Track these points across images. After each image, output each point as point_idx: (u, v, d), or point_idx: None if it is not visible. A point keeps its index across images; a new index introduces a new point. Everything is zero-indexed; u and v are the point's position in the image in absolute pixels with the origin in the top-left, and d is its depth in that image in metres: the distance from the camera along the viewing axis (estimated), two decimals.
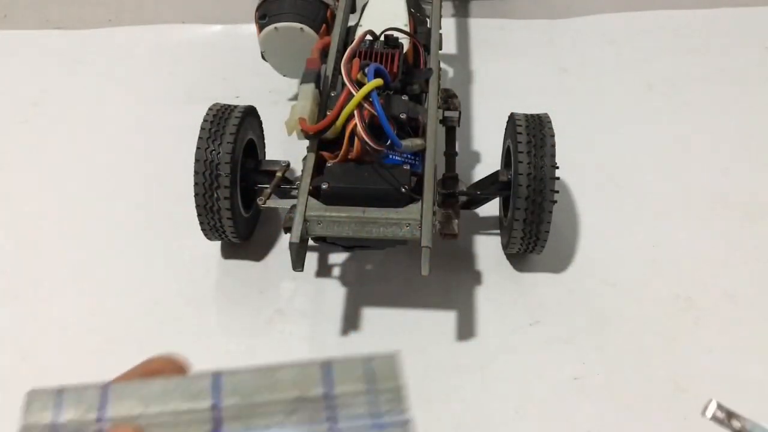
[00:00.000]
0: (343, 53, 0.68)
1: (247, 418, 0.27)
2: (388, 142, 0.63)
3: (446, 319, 0.70)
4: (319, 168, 0.65)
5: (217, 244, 0.77)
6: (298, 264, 0.62)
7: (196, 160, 0.68)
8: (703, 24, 1.02)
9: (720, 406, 0.29)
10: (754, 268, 0.75)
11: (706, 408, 0.29)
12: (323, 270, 0.75)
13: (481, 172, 0.82)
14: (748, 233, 0.78)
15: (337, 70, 0.71)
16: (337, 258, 0.76)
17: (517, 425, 0.63)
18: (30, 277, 0.76)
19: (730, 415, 0.28)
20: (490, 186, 0.73)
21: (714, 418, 0.29)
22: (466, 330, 0.69)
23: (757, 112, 0.91)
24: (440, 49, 0.77)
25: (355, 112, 0.61)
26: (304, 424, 0.27)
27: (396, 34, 0.72)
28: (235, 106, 0.72)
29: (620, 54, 0.99)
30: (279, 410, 0.27)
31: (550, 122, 0.71)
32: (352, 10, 0.84)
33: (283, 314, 0.71)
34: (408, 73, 0.70)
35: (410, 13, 0.78)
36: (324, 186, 0.63)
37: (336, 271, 0.75)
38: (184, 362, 0.30)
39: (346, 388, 0.28)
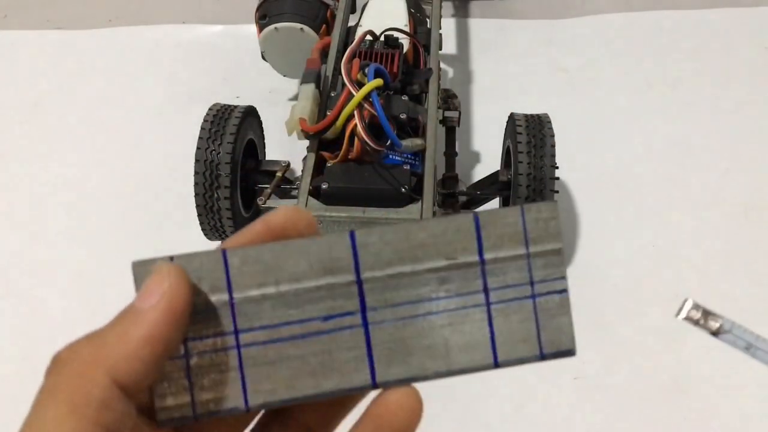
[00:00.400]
0: (343, 53, 0.68)
1: (392, 291, 0.23)
2: (388, 142, 0.63)
3: None
4: (319, 168, 0.65)
5: (217, 244, 0.77)
6: None
7: (196, 160, 0.68)
8: (703, 24, 1.02)
9: (696, 306, 0.26)
10: (754, 268, 0.75)
11: (680, 309, 0.26)
12: None
13: (480, 172, 0.82)
14: (748, 233, 0.78)
15: (337, 70, 0.71)
16: None
17: (517, 425, 0.63)
18: (30, 276, 0.76)
19: (707, 314, 0.25)
20: (490, 186, 0.73)
21: (688, 318, 0.26)
22: None
23: (757, 113, 0.91)
24: (440, 49, 0.77)
25: (355, 112, 0.61)
26: (457, 295, 0.23)
27: (396, 34, 0.72)
28: (235, 107, 0.72)
29: (620, 54, 0.99)
30: (427, 281, 0.23)
31: (549, 122, 0.71)
32: (352, 10, 0.84)
33: None
34: (408, 74, 0.70)
35: (410, 14, 0.78)
36: (324, 186, 0.63)
37: None
38: (311, 216, 0.25)
39: (501, 252, 0.24)
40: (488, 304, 0.24)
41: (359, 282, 0.23)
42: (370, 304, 0.23)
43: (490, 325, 0.23)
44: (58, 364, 0.21)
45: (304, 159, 0.66)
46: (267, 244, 0.24)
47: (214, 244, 0.77)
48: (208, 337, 0.23)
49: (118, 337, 0.21)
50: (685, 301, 0.23)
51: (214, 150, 0.68)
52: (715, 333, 0.22)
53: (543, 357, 0.24)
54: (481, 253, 0.24)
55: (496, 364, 0.23)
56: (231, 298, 0.23)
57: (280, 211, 0.24)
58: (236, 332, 0.23)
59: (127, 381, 0.21)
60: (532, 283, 0.24)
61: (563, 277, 0.24)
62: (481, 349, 0.23)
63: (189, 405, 0.23)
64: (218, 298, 0.23)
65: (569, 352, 0.24)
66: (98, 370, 0.21)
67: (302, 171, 0.65)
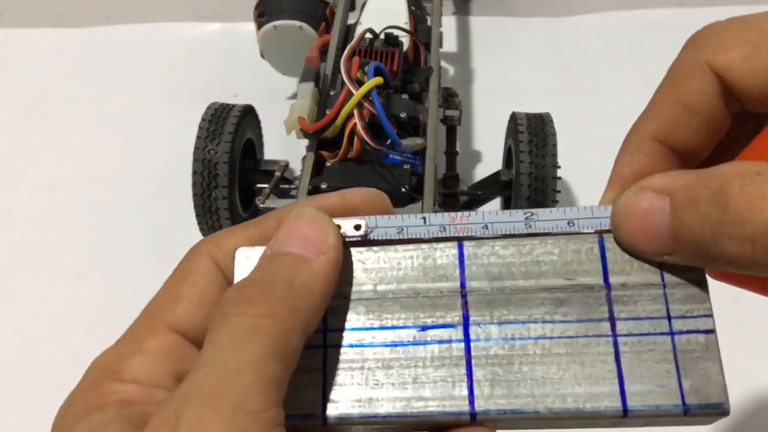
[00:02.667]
0: (343, 51, 0.67)
1: (500, 307, 0.21)
2: (388, 141, 0.62)
3: None
4: (318, 168, 0.65)
5: None
6: None
7: (194, 160, 0.67)
8: (706, 22, 1.01)
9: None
10: None
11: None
12: None
13: (482, 172, 0.82)
14: None
15: (336, 68, 0.71)
16: None
17: None
18: (29, 276, 0.75)
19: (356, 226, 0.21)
20: (492, 186, 0.73)
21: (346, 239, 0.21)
22: None
23: None
24: (441, 47, 0.77)
25: (355, 111, 0.61)
26: (577, 321, 0.20)
27: (396, 32, 0.71)
28: (234, 105, 0.72)
29: (622, 52, 0.98)
30: (542, 300, 0.21)
31: (551, 121, 0.70)
32: (352, 7, 0.84)
33: None
34: (408, 72, 0.70)
35: (410, 11, 0.78)
36: (323, 186, 0.62)
37: None
38: (388, 203, 0.23)
39: (631, 278, 0.21)
40: (615, 335, 0.20)
41: (464, 293, 0.21)
42: (474, 319, 0.21)
43: (617, 360, 0.20)
44: (249, 302, 0.19)
45: (303, 158, 0.65)
46: (368, 241, 0.22)
47: None
48: None
49: (304, 287, 0.20)
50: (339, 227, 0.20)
51: (212, 149, 0.67)
52: (366, 234, 0.20)
53: (686, 410, 0.20)
54: (606, 277, 0.21)
55: (625, 412, 0.19)
56: None
57: (359, 192, 0.23)
58: (325, 330, 0.21)
59: (309, 333, 0.19)
60: (669, 318, 0.21)
61: (709, 315, 0.21)
62: (606, 387, 0.20)
63: None
64: None
65: (719, 408, 0.20)
66: (298, 318, 0.19)
67: (301, 170, 0.65)
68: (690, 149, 0.23)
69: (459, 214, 0.21)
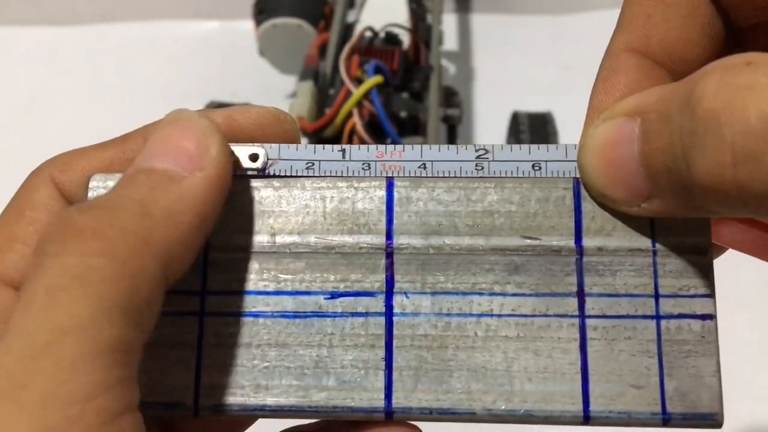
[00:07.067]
0: (342, 50, 0.67)
1: (435, 272, 0.16)
2: (389, 140, 0.62)
3: None
4: None
5: None
6: None
7: None
8: None
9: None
10: (757, 268, 0.74)
11: None
12: None
13: None
14: None
15: (335, 67, 0.70)
16: None
17: (521, 426, 0.62)
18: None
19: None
20: None
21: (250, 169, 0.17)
22: None
23: None
24: (441, 45, 0.76)
25: (354, 110, 0.60)
26: (535, 294, 0.16)
27: (396, 30, 0.71)
28: (232, 104, 0.71)
29: None
30: (492, 265, 0.16)
31: (553, 121, 0.70)
32: (351, 5, 0.83)
33: None
34: (408, 70, 0.69)
35: (411, 9, 0.77)
36: None
37: None
38: (295, 126, 0.18)
39: (614, 239, 0.16)
40: (583, 316, 0.16)
41: (390, 250, 0.17)
42: (401, 286, 0.16)
43: (583, 350, 0.16)
44: (77, 236, 0.14)
45: None
46: (267, 175, 0.17)
47: None
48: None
49: (167, 215, 0.14)
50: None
51: None
52: (264, 167, 0.16)
53: (667, 420, 0.16)
54: (579, 237, 0.16)
55: (587, 418, 0.16)
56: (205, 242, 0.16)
57: (252, 110, 0.18)
58: (203, 293, 0.17)
59: (174, 277, 0.14)
60: (657, 297, 0.16)
61: (709, 295, 0.16)
62: (565, 385, 0.16)
63: None
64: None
65: (710, 419, 0.15)
66: (150, 258, 0.14)
67: None
68: (680, 57, 0.18)
69: (390, 147, 0.17)
